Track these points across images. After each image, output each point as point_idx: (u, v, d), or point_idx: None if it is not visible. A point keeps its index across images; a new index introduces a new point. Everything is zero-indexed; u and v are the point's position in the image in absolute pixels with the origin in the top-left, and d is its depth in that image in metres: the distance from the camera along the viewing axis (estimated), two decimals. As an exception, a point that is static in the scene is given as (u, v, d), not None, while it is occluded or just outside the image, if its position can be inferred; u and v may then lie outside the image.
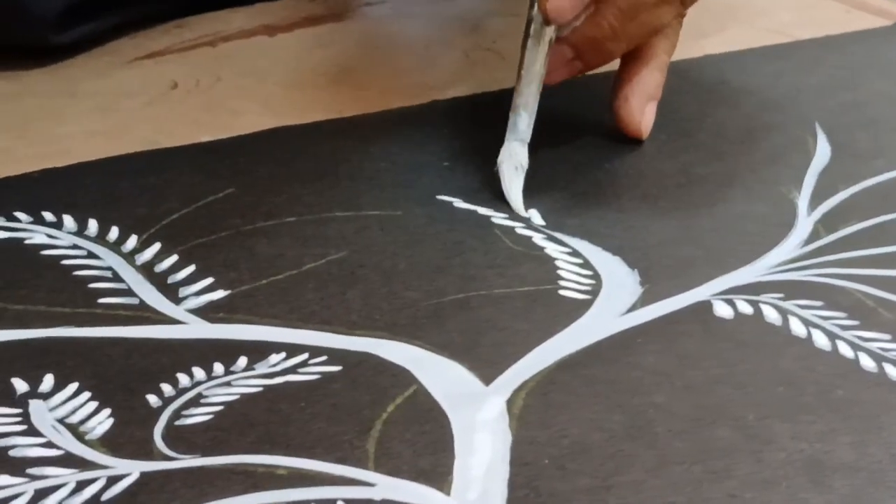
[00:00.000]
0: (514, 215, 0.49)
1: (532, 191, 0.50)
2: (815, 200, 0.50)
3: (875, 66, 0.61)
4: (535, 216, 0.49)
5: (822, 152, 0.53)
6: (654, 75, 0.53)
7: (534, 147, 0.52)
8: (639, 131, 0.53)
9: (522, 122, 0.50)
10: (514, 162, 0.50)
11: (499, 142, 0.51)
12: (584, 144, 0.54)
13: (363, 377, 0.40)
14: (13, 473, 0.36)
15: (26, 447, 0.37)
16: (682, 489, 0.35)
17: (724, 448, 0.37)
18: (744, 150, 0.54)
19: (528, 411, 0.38)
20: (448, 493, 0.35)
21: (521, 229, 0.48)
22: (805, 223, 0.48)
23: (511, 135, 0.50)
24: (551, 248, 0.47)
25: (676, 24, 0.54)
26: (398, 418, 0.38)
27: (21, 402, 0.39)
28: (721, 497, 0.35)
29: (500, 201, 0.49)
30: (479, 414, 0.38)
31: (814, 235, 0.47)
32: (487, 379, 0.40)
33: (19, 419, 0.38)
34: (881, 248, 0.46)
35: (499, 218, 0.49)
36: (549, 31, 0.50)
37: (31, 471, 0.36)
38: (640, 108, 0.53)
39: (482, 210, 0.49)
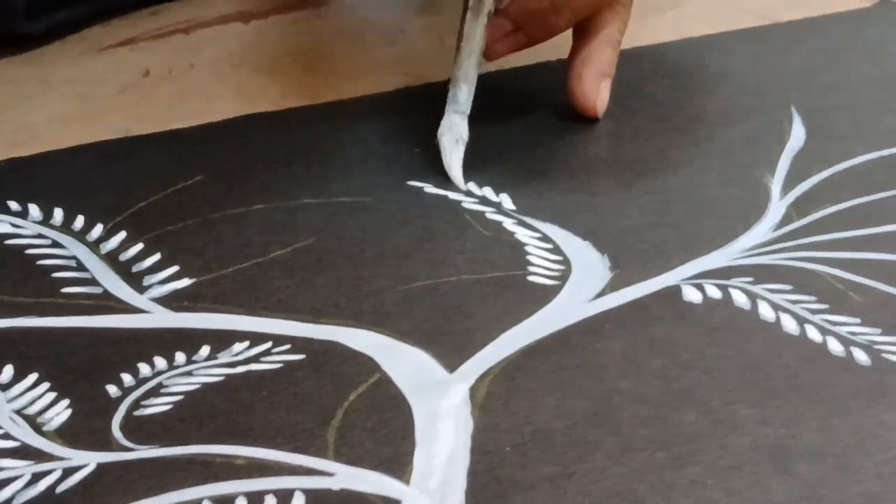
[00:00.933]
0: (485, 200, 0.48)
1: (503, 175, 0.50)
2: (789, 184, 0.49)
3: (855, 48, 0.61)
4: (506, 200, 0.48)
5: (797, 136, 0.52)
6: (605, 52, 0.53)
7: (505, 132, 0.52)
8: (594, 109, 0.53)
9: (462, 95, 0.50)
10: (454, 134, 0.49)
11: (472, 125, 0.50)
12: (557, 129, 0.53)
13: (327, 365, 0.40)
14: (-33, 465, 0.35)
15: (-18, 438, 0.36)
16: (645, 476, 0.35)
17: (688, 434, 0.36)
18: (720, 135, 0.53)
19: (491, 398, 0.38)
20: (407, 483, 0.35)
21: (491, 214, 0.47)
22: (777, 207, 0.47)
23: (451, 107, 0.50)
24: (521, 233, 0.46)
25: None
26: (360, 407, 0.38)
27: (-21, 392, 0.38)
28: (684, 483, 0.35)
29: (475, 186, 0.49)
30: (441, 401, 0.38)
31: (786, 219, 0.47)
32: (452, 366, 0.39)
33: (-24, 410, 0.38)
34: (853, 231, 0.46)
35: (469, 203, 0.48)
36: (488, 3, 0.50)
37: (-15, 462, 0.35)
38: (595, 86, 0.52)
39: (453, 195, 0.49)
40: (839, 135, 0.52)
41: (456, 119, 0.50)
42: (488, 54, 0.51)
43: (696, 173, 0.50)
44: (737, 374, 0.39)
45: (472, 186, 0.49)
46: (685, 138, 0.53)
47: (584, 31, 0.53)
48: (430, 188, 0.49)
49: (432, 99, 0.55)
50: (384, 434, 0.37)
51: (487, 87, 0.52)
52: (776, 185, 0.49)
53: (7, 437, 0.36)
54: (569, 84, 0.53)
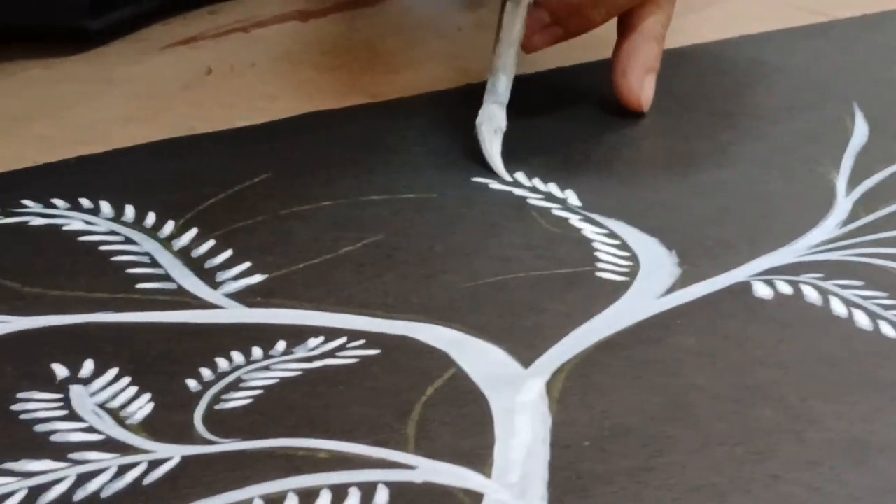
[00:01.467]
0: (551, 196, 0.49)
1: (567, 171, 0.50)
2: (854, 180, 0.49)
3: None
4: (572, 196, 0.49)
5: (860, 132, 0.52)
6: (650, 47, 0.53)
7: (561, 129, 0.53)
8: (639, 104, 0.53)
9: (501, 85, 0.50)
10: (493, 125, 0.50)
11: (530, 123, 0.51)
12: (613, 125, 0.54)
13: (402, 360, 0.40)
14: (55, 458, 0.36)
15: (67, 432, 0.37)
16: (724, 470, 0.35)
17: (766, 429, 0.37)
18: (781, 130, 0.53)
19: (567, 393, 0.38)
20: (489, 476, 0.35)
21: (557, 210, 0.48)
22: (844, 203, 0.48)
23: (489, 97, 0.50)
24: (588, 230, 0.46)
25: None
26: (437, 401, 0.38)
27: (61, 387, 0.39)
28: (764, 478, 0.35)
29: (540, 182, 0.50)
30: (518, 396, 0.38)
31: (853, 215, 0.47)
32: (526, 361, 0.40)
33: (60, 404, 0.38)
34: (922, 228, 0.46)
35: (535, 199, 0.48)
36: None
37: (72, 455, 0.36)
38: (639, 81, 0.53)
39: (518, 191, 0.49)
40: (902, 131, 0.52)
41: (495, 109, 0.50)
42: (526, 47, 0.51)
43: (760, 169, 0.50)
44: (812, 369, 0.39)
45: (536, 182, 0.50)
46: (746, 134, 0.53)
47: (627, 26, 0.53)
48: (495, 184, 0.50)
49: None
50: (463, 428, 0.37)
51: (536, 85, 0.52)
52: (842, 181, 0.49)
53: (92, 430, 0.37)
54: (614, 79, 0.53)
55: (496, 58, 0.51)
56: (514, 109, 0.53)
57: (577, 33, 0.52)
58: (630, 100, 0.53)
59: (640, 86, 0.53)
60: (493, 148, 0.50)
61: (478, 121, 0.50)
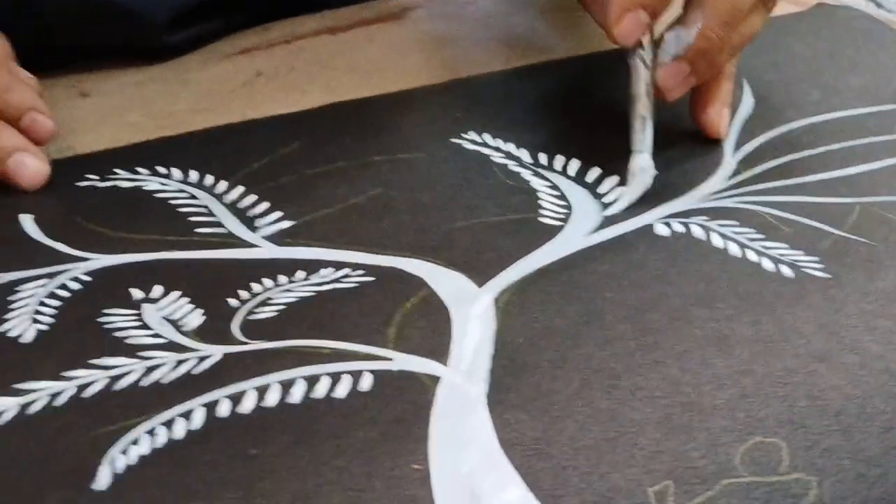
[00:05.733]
0: (509, 155, 0.49)
1: (522, 134, 0.50)
2: (740, 143, 0.49)
3: (792, 37, 0.60)
4: (525, 154, 0.49)
5: (748, 103, 0.52)
6: (727, 86, 0.50)
7: (529, 102, 0.53)
8: (718, 134, 0.50)
9: (635, 135, 0.47)
10: (632, 166, 0.46)
11: (495, 101, 0.52)
12: (569, 105, 0.53)
13: (389, 284, 0.41)
14: (128, 356, 0.37)
15: (139, 337, 0.38)
16: (621, 358, 0.36)
17: (654, 328, 0.37)
18: (683, 101, 0.52)
19: (510, 305, 0.39)
20: (446, 365, 0.36)
21: (513, 166, 0.48)
22: (730, 162, 0.48)
23: (632, 146, 0.47)
24: (535, 182, 0.47)
25: None
26: (413, 312, 0.39)
27: (137, 305, 0.40)
28: (650, 363, 0.36)
29: (502, 143, 0.50)
30: (472, 308, 0.39)
31: (736, 171, 0.47)
32: (481, 283, 0.41)
33: (135, 317, 0.39)
34: (784, 181, 0.46)
35: (497, 157, 0.49)
36: (631, 56, 0.47)
37: (141, 353, 0.37)
38: (719, 115, 0.50)
39: (484, 150, 0.49)
40: (777, 104, 0.52)
41: (634, 156, 0.47)
42: (666, 97, 0.48)
43: (669, 134, 0.50)
44: (693, 285, 0.40)
45: (499, 142, 0.50)
46: (658, 106, 0.53)
47: None
48: (467, 144, 0.50)
49: (471, 87, 0.56)
50: (429, 331, 0.38)
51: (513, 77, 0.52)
52: (729, 143, 0.49)
53: (158, 335, 0.38)
54: (695, 113, 0.50)
55: (629, 112, 0.47)
56: (488, 92, 0.53)
57: (706, 79, 0.49)
58: (711, 131, 0.50)
59: (719, 119, 0.50)
60: (626, 188, 0.46)
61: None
